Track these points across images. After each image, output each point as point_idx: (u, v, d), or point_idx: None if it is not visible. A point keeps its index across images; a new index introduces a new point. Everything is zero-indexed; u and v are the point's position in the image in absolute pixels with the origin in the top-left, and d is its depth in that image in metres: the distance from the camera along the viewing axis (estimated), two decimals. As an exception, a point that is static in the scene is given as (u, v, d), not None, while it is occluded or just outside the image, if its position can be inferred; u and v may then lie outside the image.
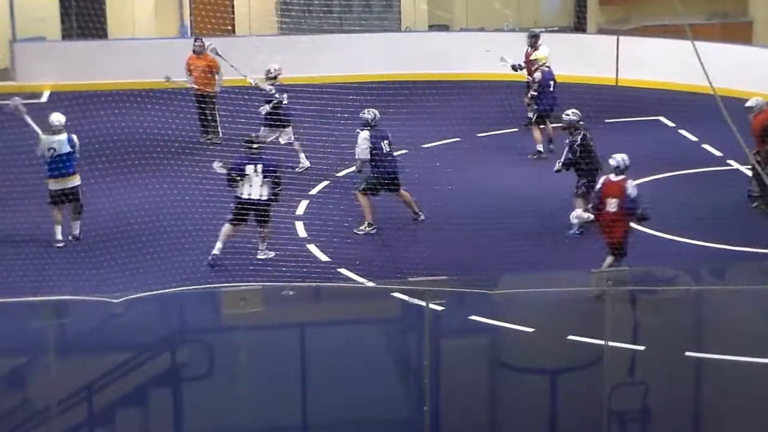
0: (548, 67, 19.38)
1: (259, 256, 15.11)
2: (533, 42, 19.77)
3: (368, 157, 16.11)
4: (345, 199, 16.81)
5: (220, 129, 20.11)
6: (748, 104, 16.83)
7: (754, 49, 23.68)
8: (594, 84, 22.72)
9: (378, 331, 13.59)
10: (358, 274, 14.62)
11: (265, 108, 18.27)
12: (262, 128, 18.17)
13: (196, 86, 20.16)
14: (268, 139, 17.91)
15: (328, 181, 17.98)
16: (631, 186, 14.21)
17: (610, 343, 12.01)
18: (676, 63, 19.84)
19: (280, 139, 18.34)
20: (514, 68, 19.53)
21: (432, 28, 26.29)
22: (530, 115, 19.46)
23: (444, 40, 25.01)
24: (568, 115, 16.36)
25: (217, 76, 20.27)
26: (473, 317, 13.47)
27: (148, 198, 16.82)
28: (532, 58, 19.54)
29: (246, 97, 18.46)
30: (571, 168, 16.11)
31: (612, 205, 14.12)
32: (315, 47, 23.49)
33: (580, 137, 16.13)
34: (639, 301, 13.85)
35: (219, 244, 14.95)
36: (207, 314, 13.85)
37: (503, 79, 21.34)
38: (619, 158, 14.45)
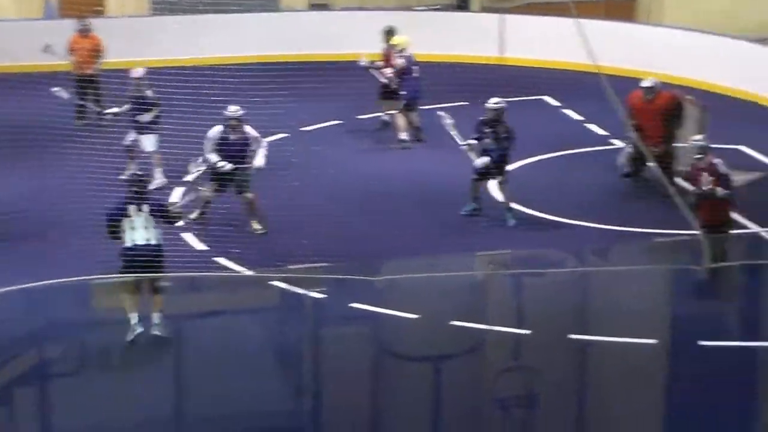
0: (408, 53, 19.37)
1: (154, 331, 12.84)
2: (388, 38, 19.65)
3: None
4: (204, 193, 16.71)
5: (105, 110, 19.89)
6: (645, 84, 16.94)
7: (637, 26, 24.09)
8: (478, 63, 22.90)
9: (257, 322, 13.59)
10: (235, 263, 14.55)
11: (148, 116, 17.30)
12: (134, 134, 17.33)
13: (76, 67, 19.87)
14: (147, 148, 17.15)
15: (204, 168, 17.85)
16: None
17: (495, 328, 12.18)
18: (560, 41, 20.09)
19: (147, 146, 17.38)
20: (369, 68, 19.41)
21: (312, 7, 26.25)
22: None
23: (324, 20, 24.99)
24: (492, 103, 16.33)
25: (98, 58, 20.06)
26: (355, 305, 13.51)
27: (20, 188, 16.57)
28: (392, 42, 19.50)
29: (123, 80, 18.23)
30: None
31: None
32: (189, 28, 23.29)
33: (508, 127, 16.18)
34: (523, 284, 14.07)
35: (133, 318, 12.77)
36: (78, 308, 13.70)
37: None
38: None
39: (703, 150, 14.05)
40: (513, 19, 23.76)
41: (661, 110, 16.82)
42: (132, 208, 12.95)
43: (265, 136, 18.25)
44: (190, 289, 13.92)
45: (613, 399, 12.16)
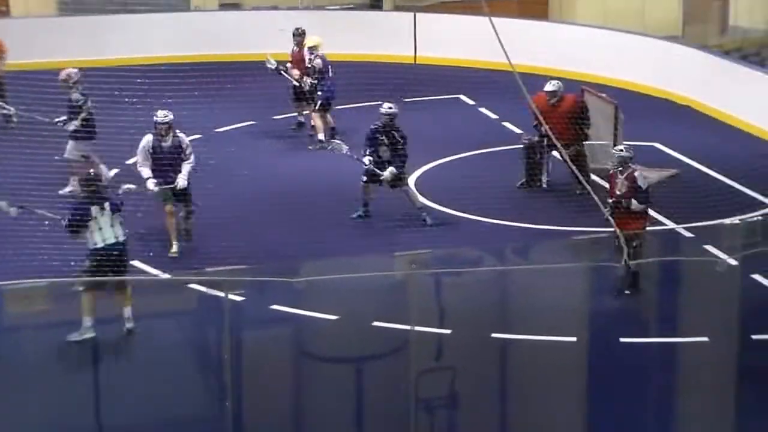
0: (322, 53, 19.33)
1: (128, 325, 12.97)
2: (300, 41, 19.56)
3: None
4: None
5: (10, 113, 19.59)
6: (549, 88, 17.03)
7: (550, 24, 24.31)
8: (392, 62, 22.94)
9: (175, 325, 13.49)
10: (152, 266, 14.41)
11: (74, 123, 16.70)
12: (71, 144, 16.71)
13: None
14: (81, 156, 16.41)
15: (118, 170, 17.67)
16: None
17: (416, 328, 12.22)
18: (474, 40, 20.17)
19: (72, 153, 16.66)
20: (278, 71, 19.36)
21: (222, 6, 26.11)
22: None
23: (236, 19, 24.86)
24: (391, 108, 16.27)
25: (3, 59, 19.78)
26: (275, 306, 13.49)
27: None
28: (306, 43, 19.44)
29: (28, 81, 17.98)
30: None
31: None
32: (98, 28, 23.05)
33: (402, 132, 16.20)
34: (444, 284, 14.12)
35: (87, 321, 12.83)
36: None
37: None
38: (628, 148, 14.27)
39: (624, 161, 14.08)
40: (426, 18, 23.82)
41: (567, 113, 16.96)
42: (95, 209, 13.04)
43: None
44: (107, 292, 13.73)
45: (536, 397, 12.27)
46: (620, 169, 14.03)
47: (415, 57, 23.66)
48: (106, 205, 13.14)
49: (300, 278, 12.94)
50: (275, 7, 25.30)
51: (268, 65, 19.31)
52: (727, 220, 15.58)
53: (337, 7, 24.93)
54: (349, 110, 19.42)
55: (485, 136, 19.26)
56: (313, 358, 13.30)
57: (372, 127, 16.29)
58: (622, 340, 13.06)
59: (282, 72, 19.34)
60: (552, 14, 25.57)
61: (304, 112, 19.52)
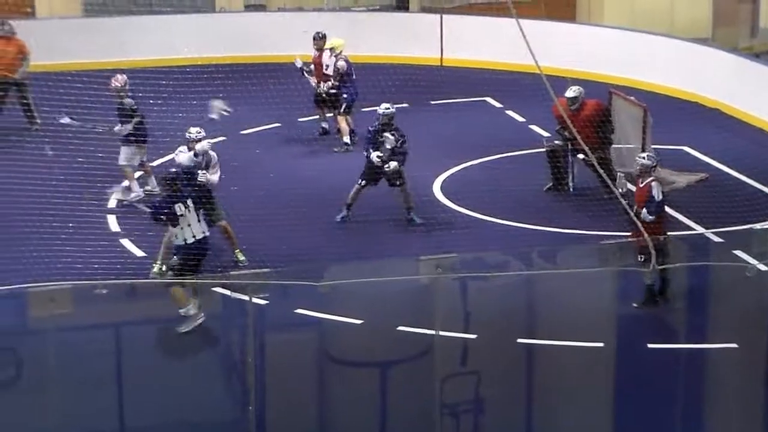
0: (345, 55, 19.32)
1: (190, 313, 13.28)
2: (320, 45, 19.54)
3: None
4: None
5: (36, 116, 19.68)
6: (569, 95, 16.91)
7: (577, 26, 24.25)
8: (418, 65, 22.93)
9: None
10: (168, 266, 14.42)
11: (127, 128, 16.68)
12: (124, 150, 16.74)
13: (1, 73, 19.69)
14: (136, 163, 16.76)
15: (143, 172, 17.73)
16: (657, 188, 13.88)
17: (441, 333, 12.20)
18: (501, 42, 20.18)
19: (135, 161, 16.77)
20: (302, 72, 19.37)
21: (248, 8, 26.15)
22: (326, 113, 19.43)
23: (261, 21, 24.90)
24: (389, 108, 16.28)
25: (24, 62, 19.85)
26: (299, 310, 13.50)
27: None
28: (328, 46, 19.40)
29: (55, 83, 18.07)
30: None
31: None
32: (123, 29, 23.12)
33: (401, 131, 16.20)
34: (469, 288, 14.11)
35: (191, 309, 13.19)
36: (13, 317, 13.55)
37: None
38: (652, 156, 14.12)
39: (645, 169, 13.97)
40: (453, 20, 23.81)
41: (589, 119, 16.88)
42: (179, 207, 13.39)
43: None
44: (130, 296, 13.81)
45: (562, 403, 12.24)
46: (640, 177, 13.92)
47: (441, 59, 23.65)
48: (189, 201, 13.43)
49: (324, 282, 12.95)
50: (300, 9, 25.34)
51: (295, 63, 19.34)
52: (757, 225, 15.50)
53: (363, 8, 24.90)
54: (374, 113, 19.41)
55: (512, 139, 19.22)
56: (337, 363, 13.30)
57: (370, 128, 16.31)
58: (649, 345, 13.01)
59: (305, 74, 19.35)
60: (579, 16, 25.48)
61: (328, 115, 19.51)
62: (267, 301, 12.87)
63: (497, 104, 21.38)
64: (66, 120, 15.61)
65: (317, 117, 19.66)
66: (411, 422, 11.83)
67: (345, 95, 19.00)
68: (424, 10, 25.74)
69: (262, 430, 11.64)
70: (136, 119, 16.73)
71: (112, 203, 16.57)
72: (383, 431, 12.05)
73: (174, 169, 14.14)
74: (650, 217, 13.51)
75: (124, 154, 16.75)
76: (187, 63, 21.98)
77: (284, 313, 13.37)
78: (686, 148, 18.95)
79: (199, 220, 13.50)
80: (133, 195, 16.64)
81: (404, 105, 20.11)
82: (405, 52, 23.23)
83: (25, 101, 19.67)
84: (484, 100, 21.55)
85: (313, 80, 19.28)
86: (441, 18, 23.79)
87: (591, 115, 16.91)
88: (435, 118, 19.72)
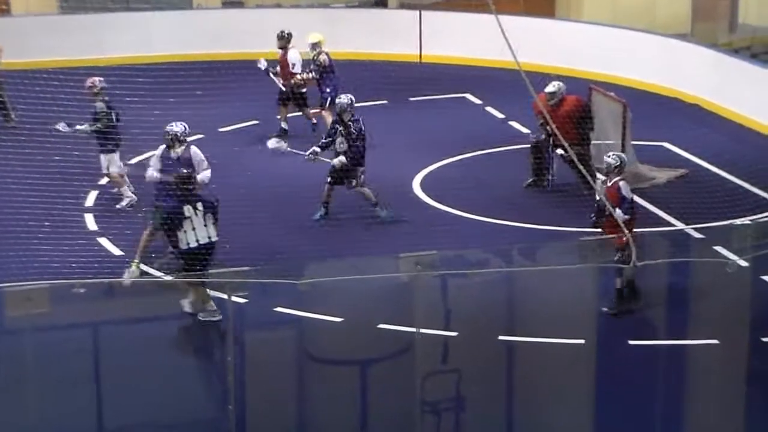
0: (326, 50, 19.28)
1: (201, 317, 13.39)
2: (283, 44, 19.46)
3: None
4: (138, 189, 16.57)
5: (11, 112, 19.63)
6: (549, 90, 16.87)
7: (557, 22, 24.29)
8: (397, 61, 22.94)
9: (177, 327, 13.47)
10: (154, 268, 14.41)
11: (85, 128, 16.35)
12: (102, 158, 16.50)
13: None
14: (118, 166, 16.40)
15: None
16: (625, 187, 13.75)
17: (422, 330, 12.21)
18: (480, 38, 20.17)
19: (112, 168, 16.50)
20: (266, 73, 19.31)
21: (225, 4, 26.12)
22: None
23: (238, 18, 24.87)
24: (341, 98, 16.27)
25: None
26: (279, 308, 13.49)
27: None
28: (312, 41, 19.31)
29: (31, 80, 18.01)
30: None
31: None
32: (99, 26, 23.06)
33: (361, 123, 16.13)
34: (450, 285, 14.11)
35: (210, 305, 13.27)
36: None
37: (303, 57, 21.39)
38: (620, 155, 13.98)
39: (610, 168, 13.89)
40: (431, 16, 23.82)
41: (569, 114, 16.88)
42: (188, 209, 13.25)
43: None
44: (108, 295, 13.77)
45: (543, 400, 12.25)
46: (608, 176, 13.85)
47: (420, 55, 23.66)
48: (199, 204, 13.31)
49: (304, 280, 12.93)
50: (278, 5, 25.31)
51: (259, 65, 19.26)
52: (737, 221, 15.54)
53: (342, 5, 24.91)
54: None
55: (492, 135, 19.24)
56: (317, 361, 13.29)
57: (333, 119, 16.26)
58: (630, 342, 13.04)
59: (270, 74, 19.28)
60: (559, 12, 25.53)
61: (285, 117, 19.33)
62: (246, 300, 12.85)
63: (477, 100, 21.40)
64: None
65: (278, 117, 19.52)
66: (392, 420, 11.83)
67: (328, 89, 18.94)
68: (403, 6, 25.75)
69: (242, 430, 11.61)
70: (102, 122, 16.38)
71: (89, 201, 16.52)
72: (364, 430, 12.03)
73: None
74: (625, 216, 13.47)
75: (103, 162, 16.56)
76: (164, 60, 21.99)
77: (264, 312, 13.35)
78: (666, 144, 19.00)
79: (205, 225, 13.33)
80: (125, 201, 16.42)
81: (383, 102, 20.15)
82: (384, 49, 23.24)
83: None
84: (464, 97, 21.57)
85: (278, 80, 19.20)
86: (420, 14, 23.82)
87: (570, 111, 16.92)
88: (414, 115, 19.72)
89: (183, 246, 13.30)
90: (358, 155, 15.97)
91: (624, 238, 12.80)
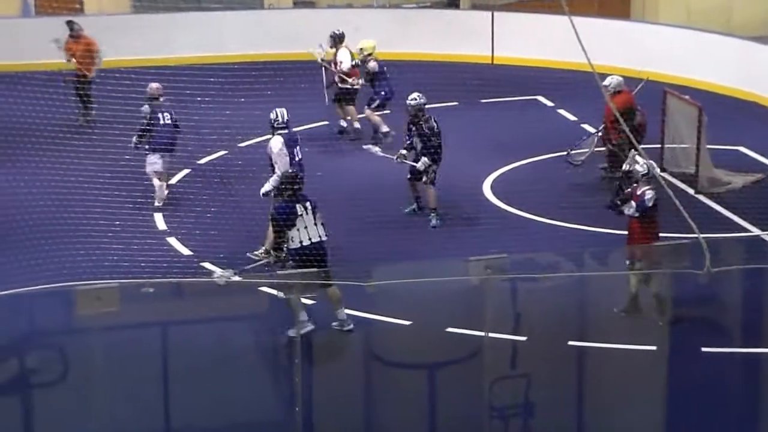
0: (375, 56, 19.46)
1: (345, 327, 13.33)
2: (334, 43, 19.69)
3: (289, 169, 14.74)
4: (207, 189, 16.70)
5: (90, 110, 19.96)
6: (604, 82, 16.91)
7: (631, 24, 24.12)
8: (469, 62, 22.91)
9: (245, 329, 13.54)
10: (222, 268, 14.49)
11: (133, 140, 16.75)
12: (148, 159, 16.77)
13: (78, 70, 19.96)
14: (159, 169, 16.60)
15: (189, 170, 17.83)
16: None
17: (490, 335, 12.17)
18: (553, 39, 20.11)
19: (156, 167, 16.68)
20: (322, 62, 19.50)
21: (297, 5, 26.23)
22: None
23: (309, 18, 24.96)
24: (415, 99, 16.33)
25: (97, 58, 20.12)
26: (347, 311, 13.48)
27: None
28: (359, 47, 19.53)
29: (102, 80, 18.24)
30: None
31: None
32: (171, 26, 23.25)
33: (433, 121, 16.18)
34: (519, 289, 14.05)
35: (302, 315, 13.01)
36: (60, 315, 13.64)
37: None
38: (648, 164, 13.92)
39: (639, 177, 13.83)
40: (504, 17, 23.75)
41: (618, 108, 16.83)
42: (300, 207, 13.40)
43: (252, 137, 18.35)
44: (176, 295, 13.87)
45: (613, 407, 12.16)
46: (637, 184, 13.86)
47: (492, 57, 23.60)
48: (308, 204, 13.44)
49: (372, 282, 12.95)
50: (350, 5, 25.37)
51: (317, 50, 19.41)
52: (814, 227, 15.37)
53: (414, 5, 24.93)
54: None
55: (563, 138, 19.12)
56: (384, 364, 13.29)
57: (407, 120, 16.35)
58: (703, 349, 12.91)
59: (324, 66, 19.43)
60: (634, 13, 25.36)
61: (348, 116, 19.53)
62: (314, 302, 12.89)
63: (549, 103, 21.32)
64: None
65: (340, 114, 19.73)
66: (459, 425, 11.79)
67: (382, 93, 19.09)
68: (475, 7, 25.71)
69: (309, 431, 11.65)
70: (144, 126, 16.63)
71: (158, 202, 16.65)
72: (431, 434, 12.03)
73: (293, 170, 14.15)
74: (635, 213, 13.60)
75: (148, 163, 16.74)
76: (235, 60, 22.13)
77: (331, 314, 13.36)
78: (742, 148, 18.80)
79: (315, 224, 13.42)
80: (156, 201, 16.49)
81: (454, 103, 20.11)
82: (455, 50, 23.21)
83: (86, 95, 19.91)
84: (536, 99, 21.49)
85: (338, 75, 19.38)
86: (492, 15, 23.74)
87: (620, 104, 16.89)
88: (486, 117, 19.68)
89: (296, 245, 13.37)
90: (433, 153, 15.98)
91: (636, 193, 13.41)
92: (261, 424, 11.85)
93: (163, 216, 16.20)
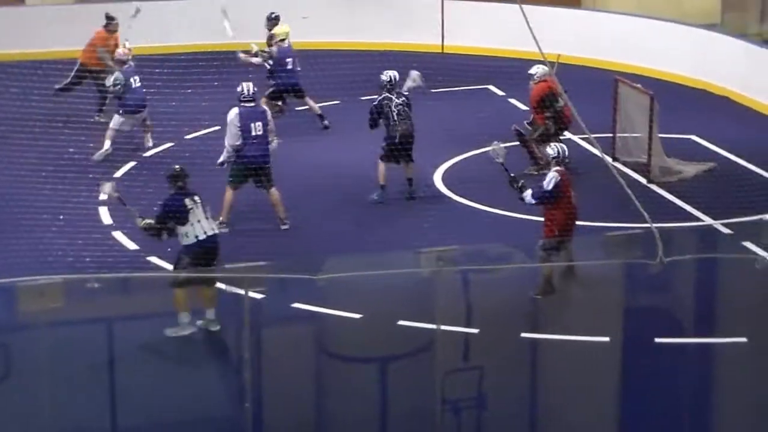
0: (287, 43, 19.50)
1: (211, 327, 13.25)
2: (271, 25, 19.85)
3: (237, 142, 15.45)
4: (153, 181, 16.55)
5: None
6: (529, 71, 17.60)
7: (582, 12, 24.17)
8: (418, 52, 22.86)
9: (193, 324, 13.44)
10: (170, 263, 14.41)
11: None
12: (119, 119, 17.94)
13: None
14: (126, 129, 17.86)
15: (135, 162, 17.73)
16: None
17: (442, 327, 12.18)
18: (504, 28, 20.12)
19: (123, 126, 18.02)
20: (255, 54, 19.55)
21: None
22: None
23: (256, 6, 24.77)
24: (388, 75, 16.76)
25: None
26: (296, 305, 13.46)
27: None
28: (272, 32, 19.64)
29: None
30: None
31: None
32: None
33: (380, 98, 16.48)
34: (472, 281, 14.06)
35: (184, 317, 13.06)
36: (2, 312, 13.52)
37: (320, 48, 21.40)
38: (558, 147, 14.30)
39: (548, 159, 14.21)
40: (454, 5, 23.74)
41: (535, 97, 17.37)
42: (189, 201, 13.12)
43: (199, 129, 18.27)
44: (122, 290, 13.76)
45: (566, 399, 12.20)
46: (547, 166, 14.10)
47: (442, 46, 23.60)
48: (196, 197, 13.23)
49: (322, 275, 12.91)
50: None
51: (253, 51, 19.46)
52: (767, 216, 15.46)
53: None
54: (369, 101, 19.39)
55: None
56: (335, 358, 13.27)
57: (374, 103, 16.58)
58: (657, 340, 12.98)
59: (258, 55, 19.45)
60: (585, 1, 25.42)
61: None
62: (264, 296, 12.84)
63: (500, 92, 21.34)
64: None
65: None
66: (411, 418, 11.80)
67: (272, 81, 19.24)
68: (425, -4, 25.64)
69: (258, 427, 11.61)
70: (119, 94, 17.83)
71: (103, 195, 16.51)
72: (383, 427, 12.02)
73: (177, 166, 13.97)
74: (531, 199, 13.91)
75: (114, 122, 17.86)
76: (182, 51, 21.96)
77: (281, 308, 13.33)
78: (694, 137, 18.91)
79: (207, 217, 13.23)
80: (99, 153, 17.38)
81: (404, 93, 20.02)
82: (405, 39, 23.18)
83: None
84: (487, 88, 21.50)
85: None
86: (442, 3, 23.72)
87: (537, 93, 17.34)
88: (436, 107, 19.62)
89: (191, 240, 13.16)
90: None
91: (552, 230, 13.63)
92: (210, 420, 11.79)
93: (108, 210, 16.07)
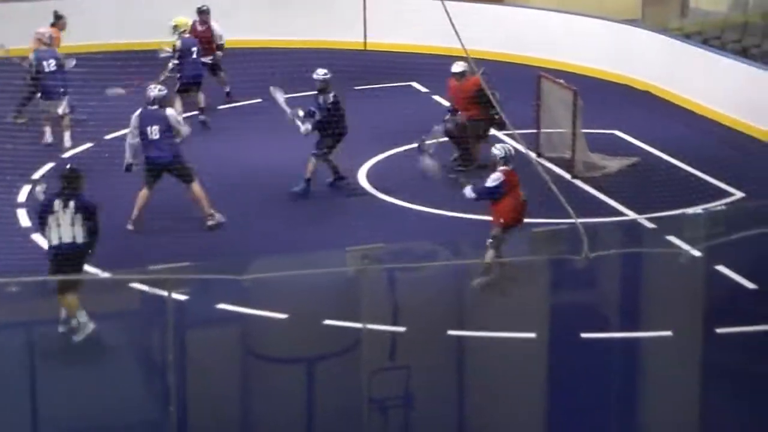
0: (188, 34, 19.52)
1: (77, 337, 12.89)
2: (204, 18, 19.96)
3: (133, 141, 15.67)
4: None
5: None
6: (456, 69, 17.68)
7: (504, 8, 24.29)
8: (341, 49, 22.85)
9: (116, 326, 13.35)
10: (91, 265, 14.25)
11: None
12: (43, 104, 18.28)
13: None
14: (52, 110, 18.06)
15: (53, 163, 17.54)
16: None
17: (369, 326, 12.16)
18: (427, 25, 20.14)
19: (58, 110, 18.16)
20: (168, 55, 19.54)
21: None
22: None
23: (177, 4, 24.60)
24: (318, 74, 16.69)
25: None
26: (221, 306, 13.38)
27: None
28: (173, 23, 19.61)
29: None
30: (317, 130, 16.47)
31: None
32: (30, 15, 22.75)
33: (332, 96, 16.43)
34: (398, 279, 14.06)
35: (82, 316, 12.81)
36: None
37: (242, 46, 21.31)
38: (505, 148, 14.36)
39: (494, 159, 14.25)
40: (376, 2, 23.75)
41: (469, 92, 17.36)
42: (57, 204, 12.67)
43: (119, 129, 18.10)
44: (43, 293, 13.59)
45: (494, 396, 12.24)
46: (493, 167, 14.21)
47: (365, 43, 23.59)
48: (71, 202, 12.79)
49: (247, 275, 12.84)
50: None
51: (162, 55, 19.40)
52: (690, 210, 15.61)
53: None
54: (296, 99, 19.33)
55: (438, 124, 19.16)
56: (261, 359, 13.21)
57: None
58: (583, 335, 13.05)
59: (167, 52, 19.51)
60: (507, -3, 25.56)
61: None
62: (187, 297, 12.74)
63: (423, 89, 21.37)
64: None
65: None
66: (338, 418, 11.77)
67: (179, 74, 19.26)
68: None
69: (183, 430, 11.52)
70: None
71: (21, 197, 16.33)
72: (310, 428, 11.98)
73: (74, 166, 13.70)
74: (471, 193, 14.13)
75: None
76: (101, 49, 21.78)
77: (205, 309, 13.25)
78: (617, 132, 19.07)
79: (72, 224, 12.69)
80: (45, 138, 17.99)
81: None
82: (327, 36, 23.14)
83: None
84: (410, 85, 21.53)
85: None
86: (364, 1, 23.72)
87: (470, 89, 17.35)
88: (359, 105, 19.60)
89: (54, 242, 12.79)
90: (328, 128, 16.57)
91: (501, 221, 13.93)
92: (134, 424, 11.69)
93: (27, 212, 15.88)
